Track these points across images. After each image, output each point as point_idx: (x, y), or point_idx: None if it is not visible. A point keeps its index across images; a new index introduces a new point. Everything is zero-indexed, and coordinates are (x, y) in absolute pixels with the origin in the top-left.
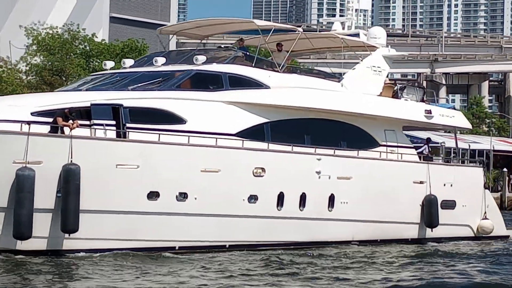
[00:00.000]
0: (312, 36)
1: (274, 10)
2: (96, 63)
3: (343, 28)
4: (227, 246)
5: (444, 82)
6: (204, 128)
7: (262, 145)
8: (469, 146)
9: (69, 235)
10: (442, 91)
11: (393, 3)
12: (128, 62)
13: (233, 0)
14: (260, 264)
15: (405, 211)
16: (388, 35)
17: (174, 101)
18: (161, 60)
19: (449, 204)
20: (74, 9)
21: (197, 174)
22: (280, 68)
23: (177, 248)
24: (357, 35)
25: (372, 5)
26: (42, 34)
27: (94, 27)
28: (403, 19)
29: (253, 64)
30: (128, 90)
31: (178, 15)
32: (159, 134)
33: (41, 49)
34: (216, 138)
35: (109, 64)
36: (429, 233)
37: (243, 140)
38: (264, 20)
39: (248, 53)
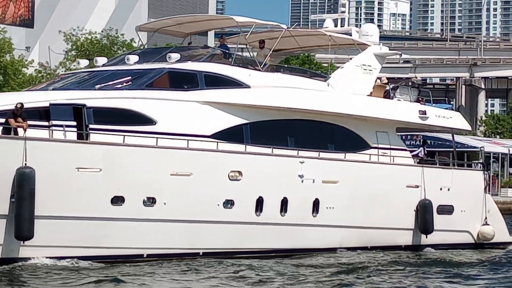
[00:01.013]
0: (298, 34)
1: (312, 13)
2: None
3: (336, 25)
4: (201, 253)
5: (483, 86)
6: (176, 129)
7: (240, 147)
8: (509, 150)
9: (23, 243)
10: (481, 96)
11: (431, 7)
12: (101, 60)
13: (271, 2)
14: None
15: (397, 216)
16: (426, 40)
17: (143, 101)
18: (133, 58)
19: (446, 209)
20: (112, 14)
21: (167, 178)
22: (261, 66)
23: (145, 256)
24: (349, 32)
25: (411, 10)
26: (81, 40)
27: (133, 32)
28: (442, 23)
29: (232, 63)
30: (95, 89)
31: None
32: (124, 135)
33: (80, 54)
34: (188, 140)
35: (83, 62)
36: (424, 239)
37: (217, 142)
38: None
39: (228, 51)
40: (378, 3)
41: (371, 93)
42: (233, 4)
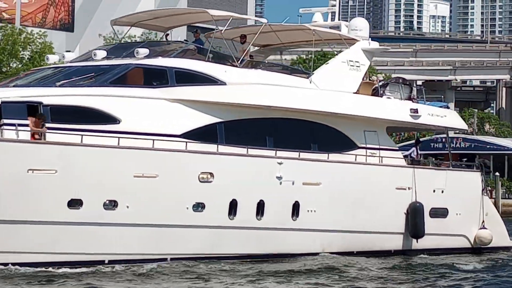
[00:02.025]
0: (280, 29)
1: (352, 16)
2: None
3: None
4: (169, 259)
5: None
6: (142, 128)
7: (212, 147)
8: None
9: None
10: None
11: (471, 9)
12: (69, 55)
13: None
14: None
15: (386, 220)
16: (466, 42)
17: (106, 98)
18: (101, 53)
19: (440, 212)
20: None
21: (130, 180)
22: (239, 62)
23: (106, 262)
24: (338, 27)
25: (450, 12)
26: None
27: (173, 34)
28: (482, 25)
29: (206, 58)
30: (55, 86)
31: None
32: (82, 135)
33: None
34: (153, 139)
35: (52, 58)
36: (416, 244)
37: (186, 142)
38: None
39: (202, 47)
40: (418, 5)
41: (358, 90)
42: (272, 3)
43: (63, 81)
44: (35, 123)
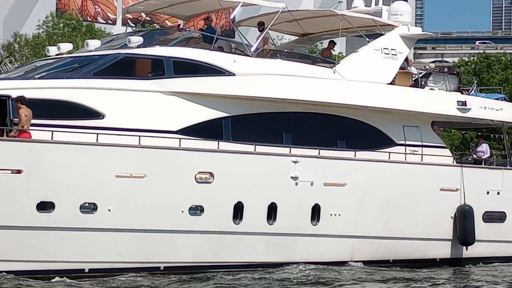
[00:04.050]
0: (302, 15)
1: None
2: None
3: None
4: (162, 268)
5: None
6: (130, 124)
7: (212, 144)
8: None
9: None
10: None
11: None
12: (64, 46)
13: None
14: None
15: (428, 225)
16: None
17: (88, 91)
18: (94, 43)
19: (495, 216)
20: None
21: (111, 181)
22: (252, 51)
23: (86, 270)
24: (381, 13)
25: None
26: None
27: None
28: None
29: (212, 47)
30: (33, 78)
31: (415, 26)
32: (53, 131)
33: None
34: (140, 136)
35: (52, 50)
36: (466, 252)
37: (180, 139)
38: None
39: (209, 35)
40: None
41: (393, 81)
42: (432, 5)
43: (43, 73)
44: (18, 110)
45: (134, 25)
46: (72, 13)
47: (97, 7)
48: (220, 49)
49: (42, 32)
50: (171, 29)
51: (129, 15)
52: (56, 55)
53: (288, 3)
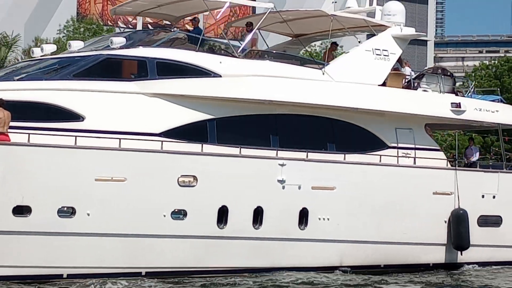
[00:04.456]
0: (293, 16)
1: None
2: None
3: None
4: (143, 273)
5: None
6: (111, 126)
7: (196, 147)
8: None
9: None
10: None
11: None
12: (48, 48)
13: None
14: None
15: (421, 229)
16: None
17: (67, 93)
18: (76, 44)
19: (491, 220)
20: None
21: (90, 184)
22: (239, 52)
23: (65, 276)
24: (374, 13)
25: None
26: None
27: (352, 44)
28: None
29: (198, 48)
30: (13, 80)
31: (436, 30)
32: (29, 133)
33: None
34: (120, 138)
35: (37, 51)
36: (460, 257)
37: (162, 141)
38: None
39: (195, 35)
40: None
41: (385, 82)
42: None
43: (22, 75)
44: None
45: (153, 29)
46: (93, 18)
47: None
48: (208, 50)
49: (63, 36)
50: (156, 30)
51: (149, 19)
52: (41, 56)
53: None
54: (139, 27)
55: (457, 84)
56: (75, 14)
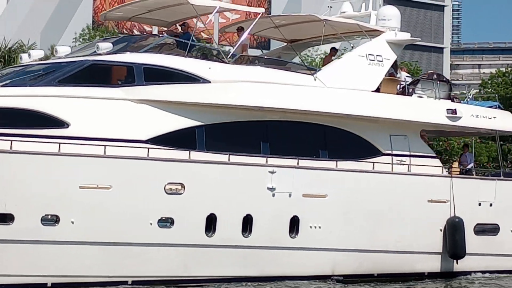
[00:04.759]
0: (284, 21)
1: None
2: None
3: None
4: (130, 282)
5: None
6: (97, 133)
7: (184, 154)
8: None
9: None
10: None
11: None
12: (35, 53)
13: (510, 17)
14: None
15: (416, 237)
16: None
17: (51, 99)
18: (63, 50)
19: (488, 229)
20: None
21: (74, 192)
22: (229, 57)
23: (49, 285)
24: (368, 17)
25: None
26: (316, 60)
27: None
28: None
29: (186, 54)
30: None
31: (452, 37)
32: (11, 140)
33: None
34: (105, 145)
35: (25, 57)
36: (456, 266)
37: (148, 148)
38: None
39: (184, 41)
40: None
41: (378, 88)
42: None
43: (6, 81)
44: None
45: (141, 34)
46: (109, 26)
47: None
48: (198, 55)
49: (79, 44)
50: (144, 35)
51: (164, 28)
52: (29, 62)
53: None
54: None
55: (473, 91)
56: (90, 22)
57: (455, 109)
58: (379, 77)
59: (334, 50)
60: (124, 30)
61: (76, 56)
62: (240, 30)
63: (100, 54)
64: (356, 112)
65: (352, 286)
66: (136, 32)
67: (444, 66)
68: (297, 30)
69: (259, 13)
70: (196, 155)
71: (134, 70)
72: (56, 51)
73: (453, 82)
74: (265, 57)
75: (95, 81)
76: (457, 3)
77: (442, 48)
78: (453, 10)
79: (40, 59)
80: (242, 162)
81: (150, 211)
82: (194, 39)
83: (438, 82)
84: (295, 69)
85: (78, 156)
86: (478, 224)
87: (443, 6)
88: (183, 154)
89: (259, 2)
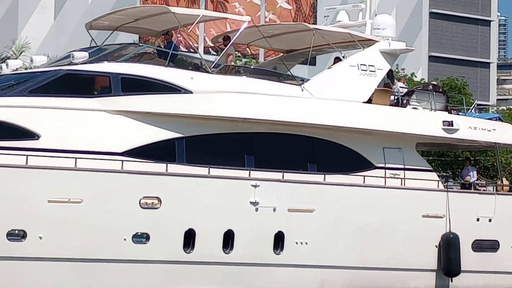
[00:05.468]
0: (272, 31)
1: None
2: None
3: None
4: None
5: None
6: (69, 145)
7: (161, 167)
8: None
9: None
10: None
11: None
12: (14, 63)
13: None
14: None
15: (409, 254)
16: None
17: (22, 110)
18: (39, 59)
19: (487, 245)
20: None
21: (43, 206)
22: (212, 67)
23: None
24: (363, 26)
25: None
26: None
27: (413, 66)
28: None
29: (167, 63)
30: None
31: (499, 52)
32: None
33: None
34: (76, 158)
35: (13, 63)
36: (452, 283)
37: (122, 161)
38: None
39: (164, 50)
40: None
41: (370, 99)
42: None
43: None
44: None
45: (215, 53)
46: (155, 42)
47: (179, 35)
48: (180, 65)
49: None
50: (125, 45)
51: (210, 43)
52: (5, 72)
53: None
54: (201, 51)
55: None
56: (137, 38)
57: (452, 121)
58: (371, 88)
59: (337, 60)
60: (181, 47)
61: (52, 66)
62: (226, 39)
63: (75, 64)
64: (345, 124)
65: None
66: (182, 48)
67: (491, 81)
68: (292, 40)
69: (245, 22)
70: (175, 168)
71: (111, 80)
72: (32, 61)
73: (499, 97)
74: (252, 67)
75: (69, 92)
76: (503, 18)
77: (489, 63)
78: (499, 25)
79: (17, 70)
80: (222, 176)
81: (124, 226)
82: (194, 50)
83: (434, 93)
84: (282, 79)
85: (46, 169)
86: (476, 240)
87: (490, 21)
88: (159, 167)
89: (305, 18)
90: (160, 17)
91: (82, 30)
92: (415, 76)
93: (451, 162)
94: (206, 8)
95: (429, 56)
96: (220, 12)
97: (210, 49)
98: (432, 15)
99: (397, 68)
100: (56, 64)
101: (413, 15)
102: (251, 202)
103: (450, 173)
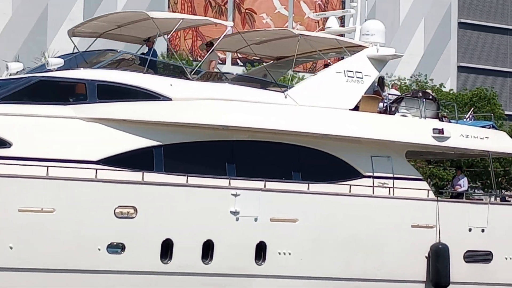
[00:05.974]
0: (259, 38)
1: None
2: (445, 113)
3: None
4: None
5: None
6: (42, 153)
7: (146, 176)
8: None
9: None
10: None
11: None
12: (14, 66)
13: None
14: None
15: (397, 264)
16: None
17: None
18: (15, 66)
19: (480, 256)
20: (421, 60)
21: (13, 216)
22: (192, 73)
23: None
24: (353, 32)
25: None
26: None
27: (442, 77)
28: None
29: (145, 70)
30: None
31: None
32: None
33: None
34: (48, 166)
35: None
36: None
37: (96, 169)
38: None
39: (144, 56)
40: None
41: (357, 106)
42: None
43: None
44: None
45: (243, 64)
46: (183, 54)
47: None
48: (157, 71)
49: None
50: (102, 51)
51: (238, 54)
52: None
53: None
54: (228, 62)
55: None
56: (165, 50)
57: (442, 129)
58: (358, 95)
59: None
60: (198, 57)
61: (27, 73)
62: (209, 45)
63: (50, 71)
64: (329, 132)
65: None
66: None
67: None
68: (281, 47)
69: (227, 27)
70: (152, 176)
71: (87, 86)
72: (7, 68)
73: None
74: (235, 73)
75: (43, 99)
76: None
77: None
78: None
79: (17, 72)
80: (201, 184)
81: (98, 236)
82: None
83: (424, 100)
84: (266, 86)
85: (17, 177)
86: (468, 251)
87: None
88: (136, 175)
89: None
90: (142, 23)
91: (109, 41)
92: (444, 87)
93: (481, 173)
94: (233, 20)
95: (458, 66)
96: (248, 23)
97: (238, 60)
98: (461, 25)
99: (425, 78)
100: (32, 71)
101: (441, 25)
102: (231, 212)
103: (480, 184)
